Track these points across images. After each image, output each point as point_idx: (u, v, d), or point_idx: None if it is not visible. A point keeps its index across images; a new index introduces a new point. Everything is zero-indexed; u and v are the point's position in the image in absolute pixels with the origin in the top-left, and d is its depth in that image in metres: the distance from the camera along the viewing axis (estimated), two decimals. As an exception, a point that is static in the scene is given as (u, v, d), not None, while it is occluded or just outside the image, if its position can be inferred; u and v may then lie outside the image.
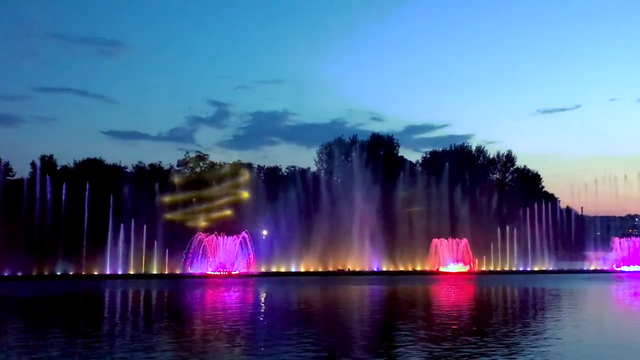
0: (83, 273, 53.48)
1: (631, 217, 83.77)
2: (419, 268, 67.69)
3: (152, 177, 63.00)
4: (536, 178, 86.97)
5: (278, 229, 64.39)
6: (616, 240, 75.06)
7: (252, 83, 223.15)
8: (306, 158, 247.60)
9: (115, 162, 64.36)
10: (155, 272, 55.90)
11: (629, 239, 75.34)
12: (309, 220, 65.29)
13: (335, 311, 33.65)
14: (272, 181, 70.81)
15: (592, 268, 74.11)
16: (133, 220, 58.61)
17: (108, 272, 54.70)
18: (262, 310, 33.57)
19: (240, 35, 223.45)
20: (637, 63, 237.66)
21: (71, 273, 52.85)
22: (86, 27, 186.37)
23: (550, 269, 70.78)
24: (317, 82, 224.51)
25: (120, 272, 54.80)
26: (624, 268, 72.24)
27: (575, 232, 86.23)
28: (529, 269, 70.01)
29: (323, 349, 20.91)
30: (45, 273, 53.41)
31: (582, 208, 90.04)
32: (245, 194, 65.49)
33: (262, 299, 39.60)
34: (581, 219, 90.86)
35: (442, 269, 66.68)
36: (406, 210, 72.68)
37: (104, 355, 18.65)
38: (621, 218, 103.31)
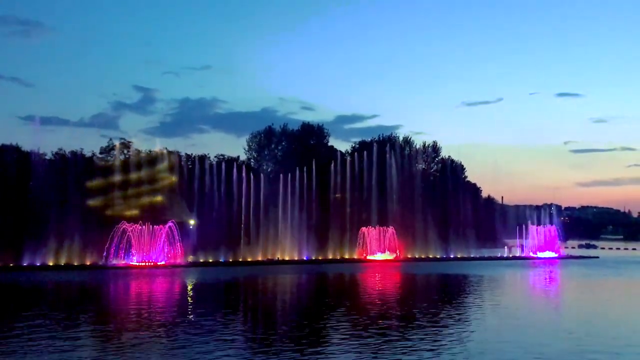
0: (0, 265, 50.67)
1: (548, 206, 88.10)
2: (347, 256, 68.52)
3: (74, 164, 60.36)
4: (460, 168, 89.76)
5: (206, 219, 63.33)
6: (533, 228, 78.78)
7: (180, 69, 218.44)
8: (236, 147, 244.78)
9: (33, 148, 61.13)
10: (76, 263, 53.76)
11: (545, 226, 79.22)
12: (238, 209, 64.64)
13: (262, 301, 33.58)
14: (200, 170, 69.54)
15: (510, 255, 77.52)
16: (52, 209, 56.08)
17: (25, 263, 52.11)
18: (189, 301, 33.06)
19: (168, 19, 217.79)
20: (555, 59, 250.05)
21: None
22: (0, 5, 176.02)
23: (472, 256, 73.44)
24: (247, 70, 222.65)
25: (38, 264, 52.33)
26: (540, 254, 76.04)
27: (495, 220, 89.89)
28: (452, 256, 72.38)
29: (250, 340, 20.83)
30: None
31: (502, 197, 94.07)
32: (171, 183, 63.95)
33: (188, 290, 39.00)
34: (501, 208, 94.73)
35: (369, 257, 67.82)
36: (336, 199, 73.29)
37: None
38: (538, 207, 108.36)
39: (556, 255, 76.51)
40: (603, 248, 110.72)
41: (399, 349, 18.62)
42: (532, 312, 28.39)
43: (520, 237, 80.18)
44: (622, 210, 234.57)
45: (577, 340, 20.25)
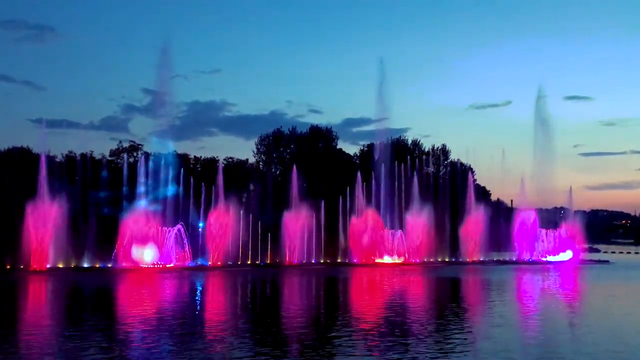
0: (8, 267, 50.86)
1: (558, 209, 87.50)
2: (356, 259, 68.27)
3: (84, 167, 60.61)
4: (469, 171, 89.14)
5: (215, 222, 63.27)
6: (543, 231, 78.23)
7: (189, 72, 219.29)
8: (245, 149, 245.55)
9: (43, 151, 61.34)
10: (86, 265, 53.92)
11: (554, 230, 78.63)
12: (248, 212, 64.59)
13: (271, 302, 33.59)
14: (209, 172, 69.59)
15: (520, 259, 76.94)
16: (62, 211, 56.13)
17: (35, 266, 52.26)
18: (200, 304, 33.13)
19: (177, 23, 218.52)
20: (564, 62, 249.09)
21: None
22: (11, 10, 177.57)
23: (481, 259, 73.03)
24: (255, 73, 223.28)
25: (49, 266, 52.48)
26: (550, 258, 75.49)
27: (504, 224, 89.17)
28: (460, 260, 72.03)
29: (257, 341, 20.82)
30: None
31: (511, 200, 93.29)
32: (180, 185, 63.97)
33: (199, 293, 39.09)
34: (511, 211, 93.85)
35: (377, 260, 67.60)
36: (344, 202, 73.06)
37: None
38: (547, 210, 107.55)
39: (569, 257, 75.70)
40: (613, 252, 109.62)
41: None
42: (543, 324, 28.07)
43: (531, 240, 79.57)
44: (632, 214, 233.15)
45: None
